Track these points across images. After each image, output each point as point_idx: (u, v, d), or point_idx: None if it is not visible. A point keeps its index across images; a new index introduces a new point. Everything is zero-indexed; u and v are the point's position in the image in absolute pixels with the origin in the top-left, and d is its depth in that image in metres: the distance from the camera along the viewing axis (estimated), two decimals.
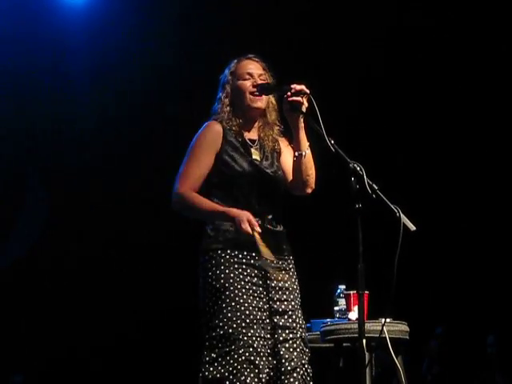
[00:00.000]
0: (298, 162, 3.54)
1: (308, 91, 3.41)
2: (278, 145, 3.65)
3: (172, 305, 6.91)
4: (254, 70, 3.58)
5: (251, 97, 3.54)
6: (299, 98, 3.40)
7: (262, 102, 3.56)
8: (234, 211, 3.41)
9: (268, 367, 3.41)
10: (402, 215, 3.16)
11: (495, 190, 7.25)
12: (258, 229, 3.36)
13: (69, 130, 6.98)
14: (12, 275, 7.05)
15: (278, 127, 3.65)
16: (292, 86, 3.42)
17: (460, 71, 7.06)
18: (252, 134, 3.63)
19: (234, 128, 3.55)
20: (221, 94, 3.60)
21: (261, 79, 3.56)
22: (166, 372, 7.18)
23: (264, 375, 3.39)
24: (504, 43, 6.93)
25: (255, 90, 3.53)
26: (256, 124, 3.64)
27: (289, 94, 3.41)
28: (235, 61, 3.63)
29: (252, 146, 3.59)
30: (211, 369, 3.40)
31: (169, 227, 6.46)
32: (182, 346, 6.70)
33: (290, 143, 3.65)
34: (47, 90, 6.82)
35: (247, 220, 3.36)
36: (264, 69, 3.60)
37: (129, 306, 6.99)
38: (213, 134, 3.54)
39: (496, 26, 6.89)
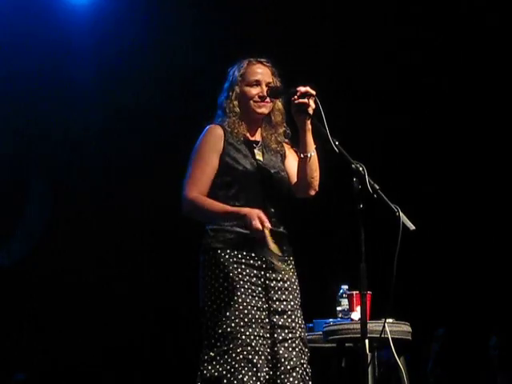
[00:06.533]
0: (303, 163, 3.58)
1: (314, 92, 3.46)
2: (282, 147, 3.72)
3: (172, 304, 6.92)
4: (263, 77, 3.64)
5: (255, 103, 3.62)
6: (305, 100, 3.45)
7: (266, 107, 3.65)
8: (245, 209, 3.44)
9: (267, 366, 3.43)
10: (401, 214, 3.18)
11: (496, 190, 7.24)
12: (268, 225, 3.38)
13: (72, 130, 6.97)
14: (15, 275, 7.05)
15: (283, 129, 3.71)
16: (298, 88, 3.47)
17: (460, 73, 7.08)
18: (255, 136, 3.70)
19: (236, 130, 3.61)
20: (230, 93, 3.65)
21: (268, 87, 3.63)
22: (166, 370, 7.18)
23: (263, 374, 3.41)
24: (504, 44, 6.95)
25: (259, 100, 3.60)
26: (260, 126, 3.70)
27: (296, 96, 3.46)
28: (246, 62, 3.68)
29: (255, 147, 3.65)
30: (209, 367, 3.44)
31: (170, 227, 6.46)
32: (181, 344, 6.73)
33: (292, 147, 3.72)
34: (51, 91, 6.81)
35: (257, 217, 3.37)
36: (273, 74, 3.67)
37: (130, 304, 6.98)
38: (214, 137, 3.59)
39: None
